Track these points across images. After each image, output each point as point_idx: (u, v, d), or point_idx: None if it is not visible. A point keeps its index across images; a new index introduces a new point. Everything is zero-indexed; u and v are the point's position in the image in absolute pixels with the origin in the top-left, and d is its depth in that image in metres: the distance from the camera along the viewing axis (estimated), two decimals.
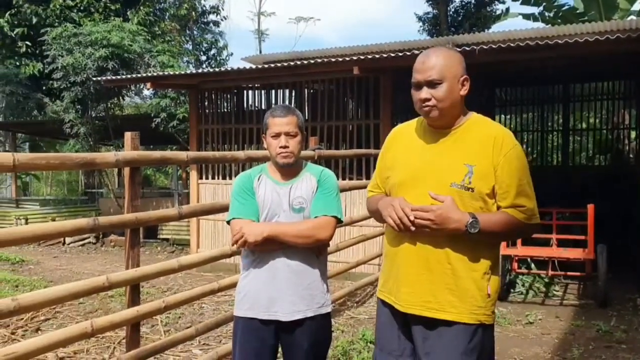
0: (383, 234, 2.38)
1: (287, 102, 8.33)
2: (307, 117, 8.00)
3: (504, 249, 5.82)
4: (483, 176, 1.99)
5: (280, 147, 2.40)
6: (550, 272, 6.14)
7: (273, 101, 8.49)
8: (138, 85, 13.81)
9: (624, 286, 6.38)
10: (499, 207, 2.03)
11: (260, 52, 25.01)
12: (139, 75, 10.02)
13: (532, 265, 6.58)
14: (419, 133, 2.17)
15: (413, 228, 1.97)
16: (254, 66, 7.98)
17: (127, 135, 3.28)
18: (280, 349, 2.47)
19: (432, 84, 2.00)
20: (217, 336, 4.82)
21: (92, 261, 9.15)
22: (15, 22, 14.07)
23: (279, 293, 2.37)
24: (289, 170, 2.46)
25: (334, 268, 5.57)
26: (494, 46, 6.01)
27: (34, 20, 13.76)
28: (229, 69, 8.46)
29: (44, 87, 14.36)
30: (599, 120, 12.43)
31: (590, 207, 5.84)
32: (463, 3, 18.36)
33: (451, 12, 18.33)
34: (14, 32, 14.03)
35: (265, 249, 2.36)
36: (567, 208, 6.85)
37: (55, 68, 10.85)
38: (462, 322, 2.01)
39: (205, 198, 8.60)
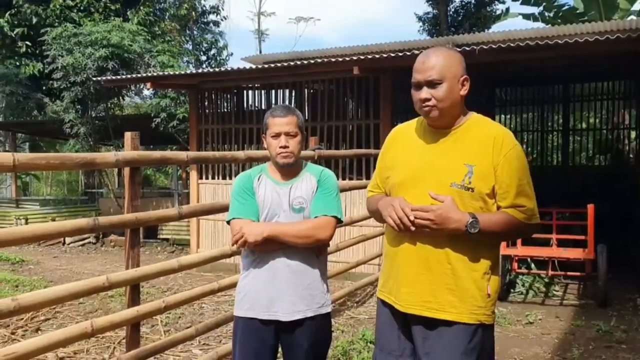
0: (383, 234, 2.38)
1: (287, 102, 8.34)
2: (307, 117, 8.00)
3: (504, 249, 5.82)
4: (483, 176, 1.99)
5: (280, 147, 2.40)
6: (550, 272, 6.14)
7: (273, 101, 8.49)
8: (138, 85, 13.81)
9: (624, 286, 6.38)
10: (499, 207, 2.03)
11: (260, 52, 25.03)
12: (139, 75, 10.03)
13: (532, 265, 6.58)
14: (419, 133, 2.17)
15: (413, 228, 1.97)
16: (254, 66, 7.98)
17: (127, 135, 3.28)
18: (280, 349, 2.47)
19: (432, 84, 2.01)
20: (217, 336, 4.82)
21: (92, 261, 9.15)
22: (15, 22, 14.08)
23: (279, 293, 2.37)
24: (289, 170, 2.46)
25: (334, 268, 5.57)
26: (494, 46, 6.01)
27: (34, 20, 13.77)
28: (229, 69, 8.46)
29: (44, 87, 14.36)
30: (599, 120, 12.43)
31: (590, 207, 5.85)
32: (463, 3, 18.36)
33: (451, 12, 18.33)
34: (14, 32, 14.03)
35: (265, 249, 2.36)
36: (567, 208, 6.85)
37: (55, 68, 10.85)
38: (462, 322, 2.01)
39: (205, 198, 8.60)
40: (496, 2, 18.18)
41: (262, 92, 8.66)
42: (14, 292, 6.42)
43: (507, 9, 17.32)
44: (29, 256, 9.31)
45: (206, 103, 8.93)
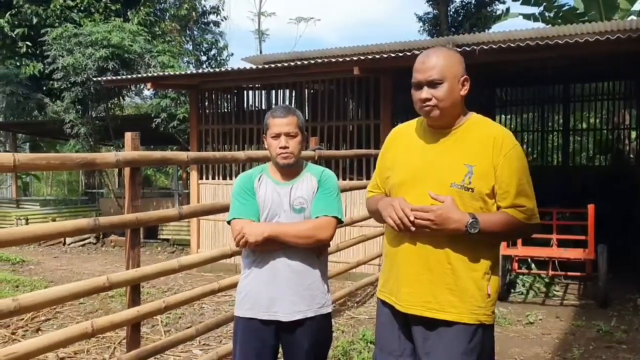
0: (383, 234, 2.38)
1: (287, 103, 8.34)
2: (307, 118, 8.00)
3: (504, 249, 5.82)
4: (483, 176, 2.00)
5: (281, 147, 2.40)
6: (551, 272, 6.14)
7: (273, 101, 8.49)
8: (138, 86, 13.80)
9: (625, 286, 6.38)
10: (498, 207, 2.03)
11: (261, 52, 25.04)
12: (139, 75, 10.03)
13: (533, 266, 6.59)
14: (419, 133, 2.17)
15: (413, 228, 1.97)
16: (254, 66, 7.98)
17: (128, 135, 3.28)
18: (280, 349, 2.47)
19: (432, 84, 2.01)
20: (217, 336, 4.82)
21: (92, 261, 9.15)
22: (16, 23, 14.09)
23: (280, 293, 2.37)
24: (290, 171, 2.47)
25: (335, 268, 5.57)
26: (494, 46, 6.01)
27: (35, 20, 13.78)
28: (229, 69, 8.46)
29: (44, 88, 14.37)
30: (599, 120, 12.43)
31: (591, 207, 5.84)
32: (463, 3, 18.37)
33: (451, 12, 18.34)
34: (15, 33, 14.04)
35: (266, 249, 2.36)
36: (567, 208, 6.85)
37: (55, 68, 10.85)
38: (462, 322, 2.01)
39: (206, 198, 8.60)
40: (496, 3, 18.20)
41: (263, 92, 8.66)
42: (15, 293, 6.43)
43: (508, 9, 17.34)
44: (29, 256, 9.31)
45: (206, 103, 8.93)
